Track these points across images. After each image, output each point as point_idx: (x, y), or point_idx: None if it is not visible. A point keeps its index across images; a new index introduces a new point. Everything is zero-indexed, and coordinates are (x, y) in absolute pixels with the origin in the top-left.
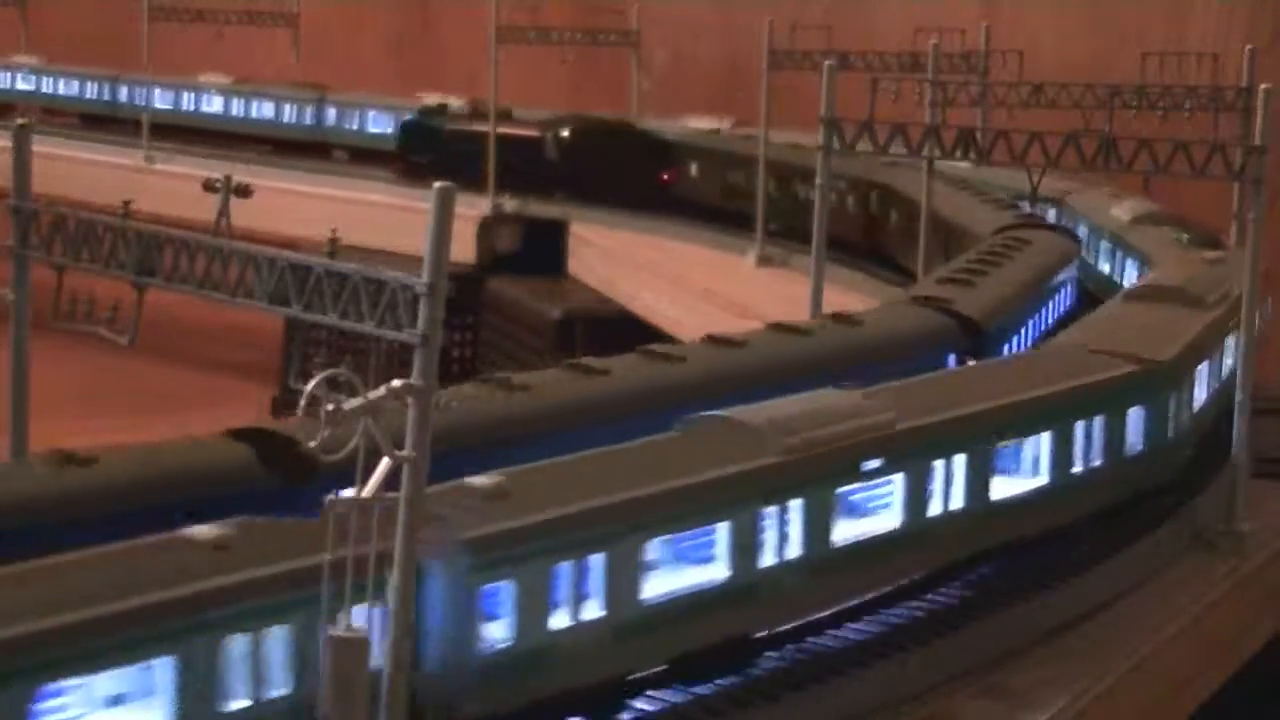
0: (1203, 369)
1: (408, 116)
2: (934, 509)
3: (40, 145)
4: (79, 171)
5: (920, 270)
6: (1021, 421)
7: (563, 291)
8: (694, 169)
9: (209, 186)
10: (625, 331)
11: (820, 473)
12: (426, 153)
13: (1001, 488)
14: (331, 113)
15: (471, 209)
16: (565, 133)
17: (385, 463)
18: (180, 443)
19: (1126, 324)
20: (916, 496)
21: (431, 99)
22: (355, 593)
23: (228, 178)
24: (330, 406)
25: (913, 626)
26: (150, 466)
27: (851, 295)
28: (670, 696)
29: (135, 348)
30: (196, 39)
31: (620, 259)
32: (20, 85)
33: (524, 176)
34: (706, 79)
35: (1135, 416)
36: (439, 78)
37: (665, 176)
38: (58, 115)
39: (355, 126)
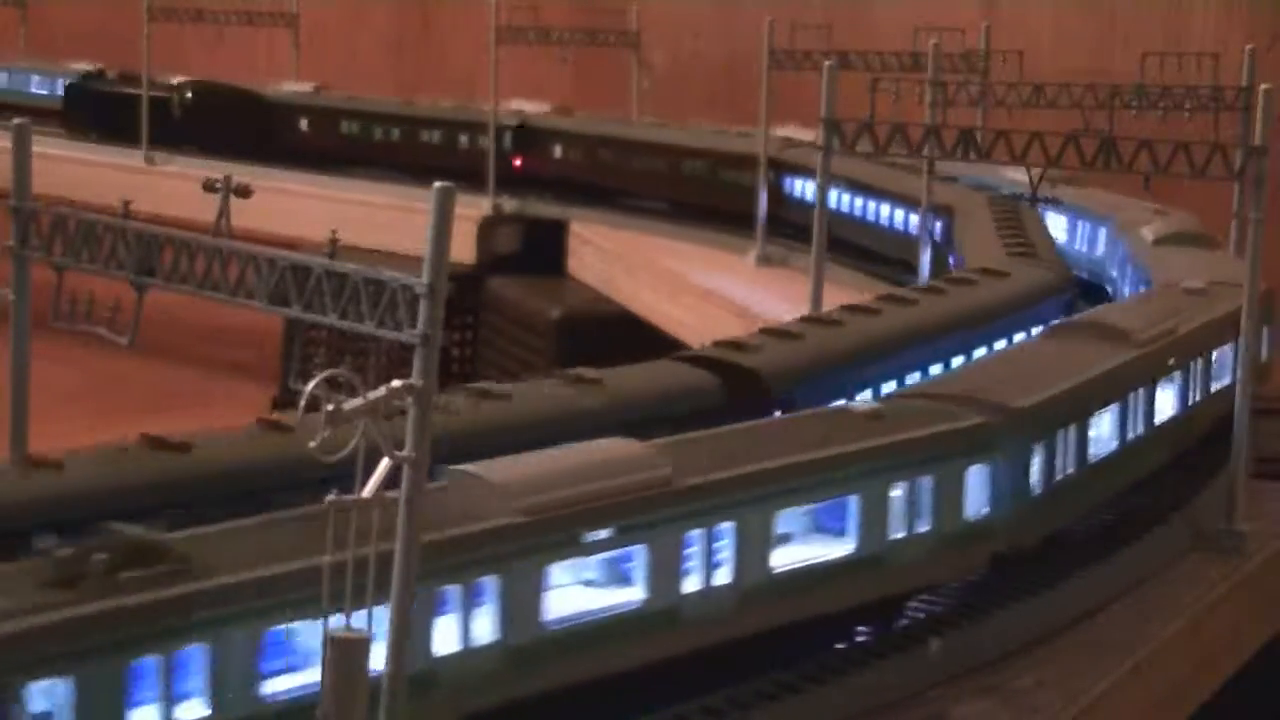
0: (1096, 419)
1: (70, 80)
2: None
3: (40, 145)
4: (79, 171)
5: (922, 274)
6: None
7: (563, 291)
8: (304, 124)
9: (209, 186)
10: (625, 332)
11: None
12: (87, 112)
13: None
14: (4, 76)
15: (472, 209)
16: (189, 94)
17: (385, 463)
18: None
19: (1014, 367)
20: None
21: (87, 65)
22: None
23: (228, 178)
24: (330, 407)
25: (913, 626)
26: (645, 384)
27: (851, 295)
28: (670, 697)
29: (135, 348)
30: (196, 39)
31: (620, 259)
32: None
33: (155, 129)
34: (706, 79)
35: (970, 475)
36: (439, 78)
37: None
38: None
39: (26, 89)
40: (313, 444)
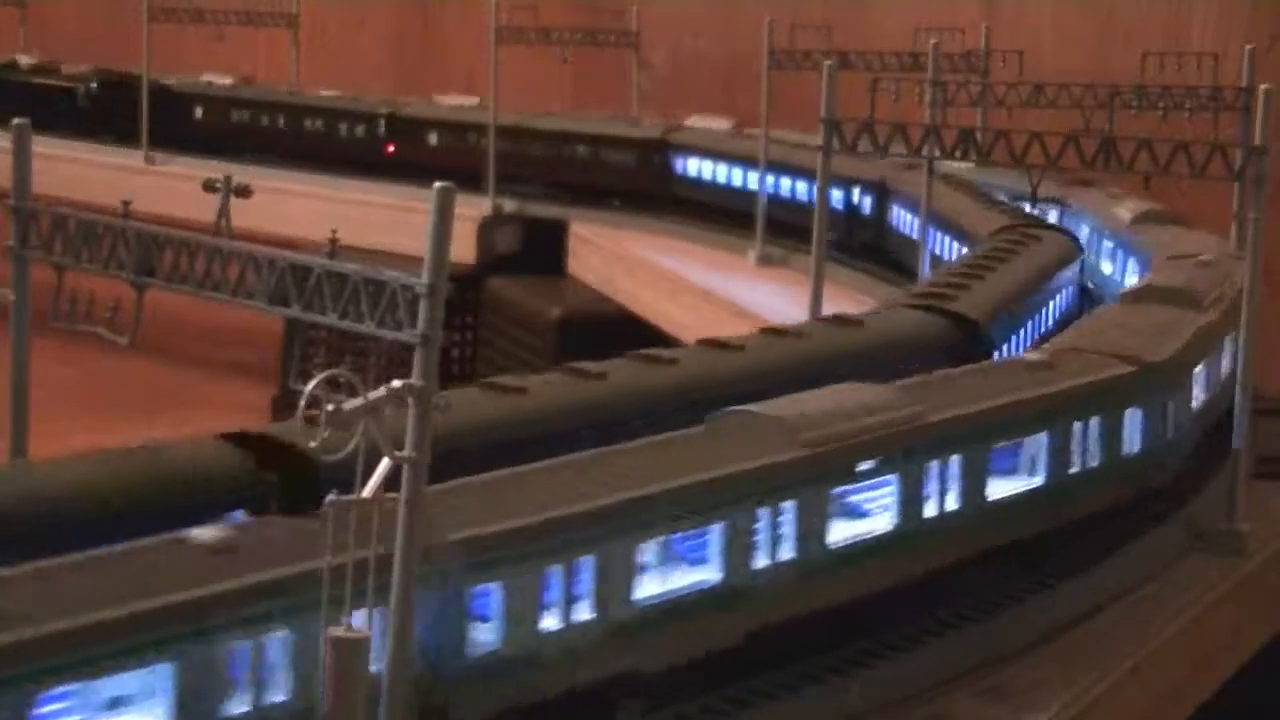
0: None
1: None
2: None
3: (40, 145)
4: (79, 171)
5: (922, 271)
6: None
7: (563, 291)
8: (199, 112)
9: (209, 186)
10: (625, 331)
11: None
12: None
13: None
14: None
15: (471, 209)
16: (94, 85)
17: (385, 463)
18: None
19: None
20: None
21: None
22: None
23: (228, 178)
24: (330, 407)
25: (913, 626)
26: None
27: (851, 295)
28: (670, 697)
29: (135, 348)
30: (196, 39)
31: (620, 259)
32: None
33: (63, 119)
34: (706, 79)
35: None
36: (439, 78)
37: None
38: None
39: None
40: (313, 444)
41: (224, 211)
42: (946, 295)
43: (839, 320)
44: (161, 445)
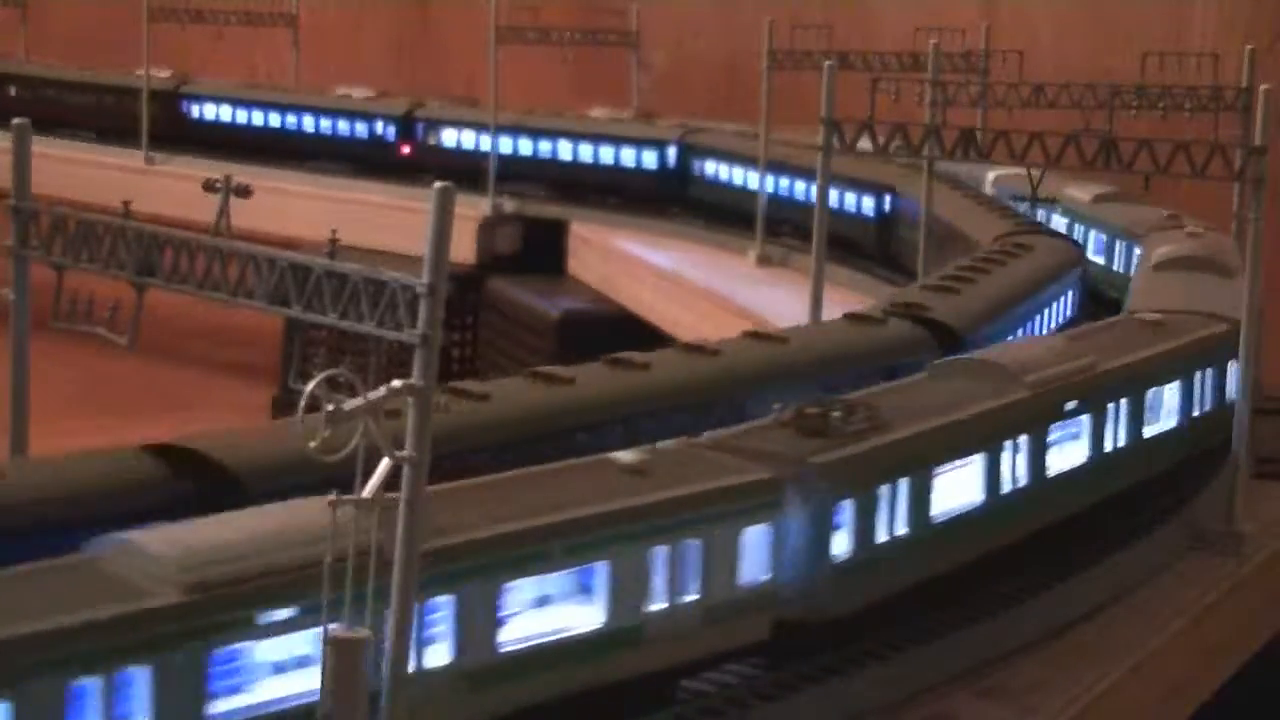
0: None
1: None
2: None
3: (40, 145)
4: (79, 171)
5: (921, 271)
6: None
7: (563, 291)
8: None
9: (209, 186)
10: (625, 331)
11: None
12: None
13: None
14: None
15: (472, 209)
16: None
17: (385, 463)
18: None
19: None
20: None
21: None
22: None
23: (227, 178)
24: (330, 407)
25: (913, 627)
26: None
27: (851, 295)
28: (670, 697)
29: (135, 348)
30: (196, 39)
31: (620, 259)
32: None
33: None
34: (706, 79)
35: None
36: (439, 78)
37: None
38: None
39: None
40: (313, 444)
41: (224, 211)
42: (923, 305)
43: (762, 332)
44: (82, 456)
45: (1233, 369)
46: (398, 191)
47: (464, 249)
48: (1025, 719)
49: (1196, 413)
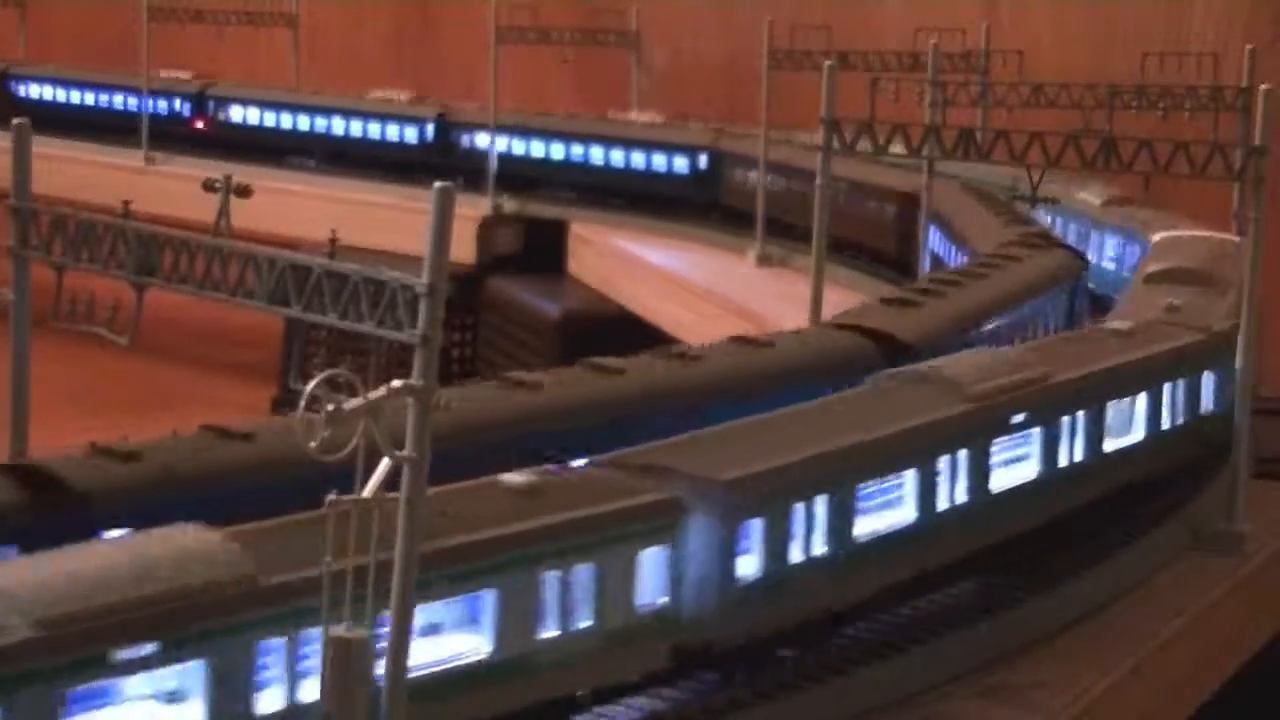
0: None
1: None
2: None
3: (40, 145)
4: (79, 171)
5: (921, 271)
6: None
7: (563, 291)
8: None
9: (209, 186)
10: (625, 331)
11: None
12: None
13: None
14: None
15: (472, 209)
16: None
17: (385, 463)
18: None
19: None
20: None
21: None
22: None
23: (227, 178)
24: (330, 407)
25: (913, 626)
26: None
27: (851, 295)
28: (671, 697)
29: (135, 348)
30: (196, 39)
31: (620, 259)
32: None
33: None
34: (706, 79)
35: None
36: (439, 78)
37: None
38: None
39: None
40: (313, 444)
41: (224, 211)
42: (880, 316)
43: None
44: None
45: (1208, 379)
46: (398, 191)
47: (464, 249)
48: (1025, 719)
49: (1166, 425)
